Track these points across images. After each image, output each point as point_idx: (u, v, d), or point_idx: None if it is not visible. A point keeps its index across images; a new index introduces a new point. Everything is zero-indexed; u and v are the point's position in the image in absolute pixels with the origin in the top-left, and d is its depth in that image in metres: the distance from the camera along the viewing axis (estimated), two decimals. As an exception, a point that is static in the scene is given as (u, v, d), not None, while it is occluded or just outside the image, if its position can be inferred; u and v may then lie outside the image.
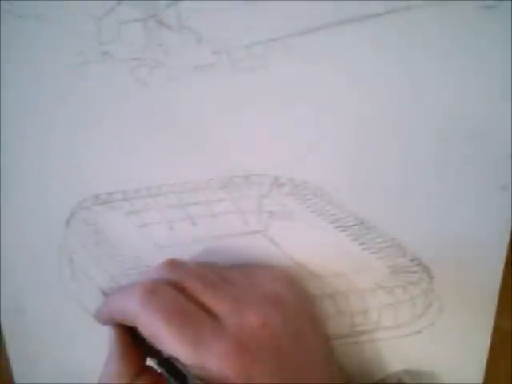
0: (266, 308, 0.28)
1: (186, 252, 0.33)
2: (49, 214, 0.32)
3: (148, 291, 0.27)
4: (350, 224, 0.31)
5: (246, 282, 0.30)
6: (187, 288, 0.28)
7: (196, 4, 0.27)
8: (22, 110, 0.30)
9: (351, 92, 0.29)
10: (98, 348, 0.36)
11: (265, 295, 0.29)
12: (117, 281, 0.34)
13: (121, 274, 0.34)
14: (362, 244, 0.31)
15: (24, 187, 0.32)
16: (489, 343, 0.33)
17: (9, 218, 0.33)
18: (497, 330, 0.32)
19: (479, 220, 0.30)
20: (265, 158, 0.31)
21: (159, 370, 0.28)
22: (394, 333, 0.33)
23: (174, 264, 0.30)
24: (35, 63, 0.29)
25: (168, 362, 0.28)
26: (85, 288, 0.34)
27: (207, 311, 0.27)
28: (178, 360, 0.26)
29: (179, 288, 0.28)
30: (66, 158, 0.31)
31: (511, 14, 0.27)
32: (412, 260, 0.31)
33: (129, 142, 0.31)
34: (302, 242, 0.32)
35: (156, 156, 0.31)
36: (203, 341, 0.26)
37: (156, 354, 0.28)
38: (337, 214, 0.31)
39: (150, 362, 0.29)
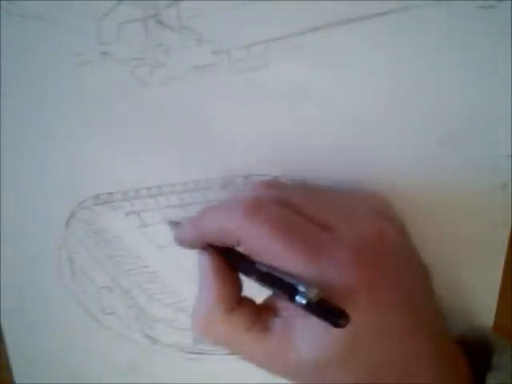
0: (380, 221, 0.27)
1: (186, 252, 0.33)
2: (49, 214, 0.33)
3: (253, 206, 0.26)
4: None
5: (351, 198, 0.28)
6: (294, 204, 0.26)
7: (196, 4, 0.27)
8: (22, 109, 0.30)
9: (351, 92, 0.29)
10: (97, 348, 0.36)
11: (375, 210, 0.28)
12: (117, 281, 0.34)
13: (121, 274, 0.34)
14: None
15: (24, 187, 0.32)
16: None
17: (9, 218, 0.33)
18: (497, 329, 0.32)
19: (479, 220, 0.30)
20: (265, 157, 0.31)
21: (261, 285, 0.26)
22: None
23: (272, 183, 0.29)
24: (35, 63, 0.29)
25: (269, 278, 0.25)
26: (85, 288, 0.34)
27: (319, 225, 0.26)
28: (283, 273, 0.25)
29: (285, 204, 0.26)
30: (66, 158, 0.31)
31: (511, 14, 0.27)
32: (412, 260, 0.31)
33: (129, 142, 0.31)
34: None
35: (156, 156, 0.31)
36: (321, 250, 0.25)
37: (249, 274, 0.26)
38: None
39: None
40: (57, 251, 0.33)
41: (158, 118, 0.30)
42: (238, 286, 0.27)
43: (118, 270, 0.34)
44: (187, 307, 0.34)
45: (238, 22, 0.28)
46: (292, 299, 0.24)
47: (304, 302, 0.23)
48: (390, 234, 0.27)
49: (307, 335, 0.25)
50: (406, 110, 0.29)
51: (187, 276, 0.33)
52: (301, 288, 0.24)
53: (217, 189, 0.31)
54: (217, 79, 0.29)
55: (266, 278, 0.25)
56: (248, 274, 0.27)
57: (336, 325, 0.23)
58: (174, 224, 0.30)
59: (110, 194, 0.32)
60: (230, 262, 0.27)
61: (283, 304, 0.26)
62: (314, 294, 0.23)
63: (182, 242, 0.29)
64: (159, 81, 0.29)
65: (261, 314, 0.26)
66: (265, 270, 0.25)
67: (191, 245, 0.28)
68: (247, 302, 0.27)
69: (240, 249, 0.27)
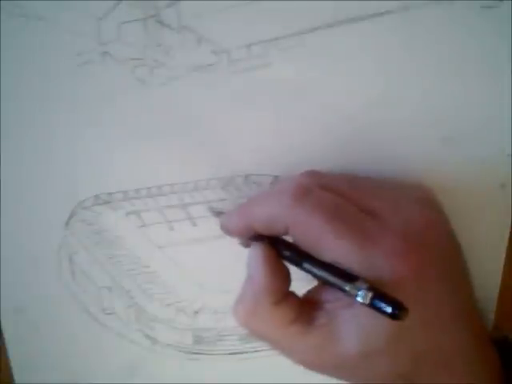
0: (426, 209, 0.27)
1: (186, 252, 0.33)
2: (49, 214, 0.32)
3: (301, 193, 0.25)
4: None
5: (394, 186, 0.28)
6: (338, 190, 0.26)
7: (196, 4, 0.27)
8: (22, 109, 0.30)
9: (351, 92, 0.29)
10: (97, 348, 0.36)
11: (420, 199, 0.27)
12: (117, 281, 0.34)
13: (121, 274, 0.34)
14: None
15: (24, 187, 0.32)
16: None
17: (9, 218, 0.33)
18: (497, 329, 0.32)
19: (479, 219, 0.30)
20: (265, 157, 0.31)
21: (318, 274, 0.25)
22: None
23: (314, 172, 0.28)
24: (35, 63, 0.29)
25: (323, 267, 0.25)
26: (85, 288, 0.34)
27: (364, 211, 0.25)
28: (336, 263, 0.24)
29: (330, 190, 0.26)
30: (66, 158, 0.31)
31: (511, 14, 0.27)
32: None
33: (129, 142, 0.31)
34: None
35: (156, 156, 0.31)
36: (370, 238, 0.24)
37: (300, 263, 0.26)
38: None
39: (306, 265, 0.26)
40: (57, 251, 0.33)
41: (157, 118, 0.30)
42: (288, 280, 0.26)
43: (118, 270, 0.34)
44: (187, 307, 0.34)
45: (237, 21, 0.28)
46: (344, 290, 0.23)
47: (361, 299, 0.23)
48: (437, 223, 0.26)
49: (354, 326, 0.25)
50: (406, 110, 0.29)
51: (187, 276, 0.33)
52: (356, 283, 0.23)
53: (217, 189, 0.31)
54: (217, 79, 0.29)
55: (320, 267, 0.25)
56: (298, 263, 0.26)
57: (395, 317, 0.22)
58: (218, 213, 0.30)
59: (110, 194, 0.32)
60: (279, 252, 0.26)
61: (328, 296, 0.26)
62: (369, 294, 0.23)
63: (230, 231, 0.28)
64: (159, 81, 0.29)
65: (304, 308, 0.26)
66: (318, 259, 0.25)
67: (238, 234, 0.28)
68: (292, 296, 0.26)
69: (288, 237, 0.26)
